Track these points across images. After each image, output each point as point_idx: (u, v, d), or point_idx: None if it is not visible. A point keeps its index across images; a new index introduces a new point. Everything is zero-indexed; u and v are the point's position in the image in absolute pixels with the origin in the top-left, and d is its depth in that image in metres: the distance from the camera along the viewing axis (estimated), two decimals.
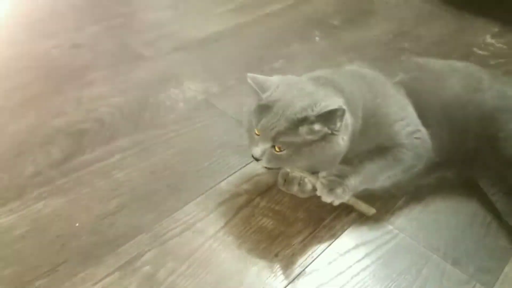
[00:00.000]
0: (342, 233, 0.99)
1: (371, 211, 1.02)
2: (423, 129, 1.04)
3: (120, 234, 0.91)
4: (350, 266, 0.91)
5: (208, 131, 1.22)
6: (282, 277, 0.87)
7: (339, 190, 0.95)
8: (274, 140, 0.93)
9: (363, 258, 0.93)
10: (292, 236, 0.97)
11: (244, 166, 1.11)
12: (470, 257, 0.93)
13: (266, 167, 0.99)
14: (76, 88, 1.32)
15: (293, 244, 0.95)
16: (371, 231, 1.00)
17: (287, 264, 0.90)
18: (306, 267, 0.89)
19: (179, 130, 1.21)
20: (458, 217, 1.03)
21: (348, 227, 1.01)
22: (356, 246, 0.96)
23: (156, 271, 0.85)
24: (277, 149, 0.95)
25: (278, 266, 0.89)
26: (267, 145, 0.95)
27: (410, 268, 0.91)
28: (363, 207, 1.02)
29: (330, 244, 0.96)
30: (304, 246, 0.95)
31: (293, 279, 0.87)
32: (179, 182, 1.05)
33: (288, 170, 0.99)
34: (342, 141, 0.95)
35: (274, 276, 0.87)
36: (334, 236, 0.98)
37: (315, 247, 0.94)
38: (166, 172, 1.08)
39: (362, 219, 1.03)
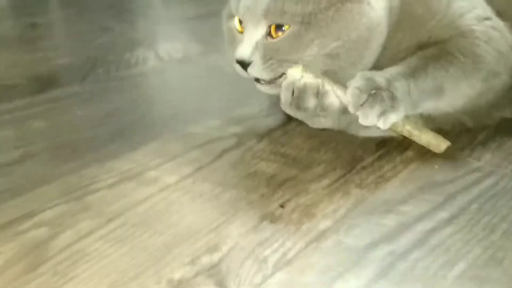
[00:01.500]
0: (395, 176, 0.59)
1: (443, 143, 0.62)
2: (498, 20, 0.67)
3: (13, 187, 0.55)
4: (418, 221, 0.50)
5: (184, 81, 0.89)
6: (293, 239, 0.47)
7: (385, 99, 0.57)
8: (267, 14, 0.59)
9: (438, 208, 0.52)
10: (311, 181, 0.57)
11: (233, 110, 0.75)
12: None
13: (261, 80, 0.63)
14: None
15: (312, 191, 0.55)
16: (443, 171, 0.60)
17: (301, 218, 0.50)
18: (335, 223, 0.49)
19: (141, 79, 0.88)
20: None
21: (405, 167, 0.60)
22: (420, 190, 0.56)
23: (55, 234, 0.47)
24: (274, 33, 0.60)
25: (284, 221, 0.50)
26: (259, 31, 0.60)
27: None
28: (429, 136, 0.62)
29: (375, 191, 0.56)
30: (331, 193, 0.55)
31: (312, 242, 0.47)
32: (128, 128, 0.69)
33: (298, 75, 0.61)
34: (376, 3, 0.59)
35: (279, 237, 0.47)
36: (381, 180, 0.58)
37: (349, 195, 0.54)
38: (114, 118, 0.72)
39: (426, 156, 0.63)
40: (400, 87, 0.58)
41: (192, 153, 0.62)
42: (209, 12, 1.35)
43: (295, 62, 0.60)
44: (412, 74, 0.59)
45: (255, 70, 0.62)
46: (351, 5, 0.58)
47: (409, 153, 0.63)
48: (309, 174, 0.58)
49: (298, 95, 0.60)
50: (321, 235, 0.48)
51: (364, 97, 0.57)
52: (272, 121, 0.72)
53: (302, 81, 0.60)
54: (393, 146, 0.65)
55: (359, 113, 0.58)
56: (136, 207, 0.51)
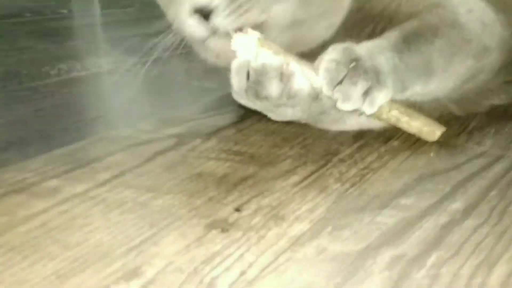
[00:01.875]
0: (383, 166, 0.45)
1: (438, 129, 0.49)
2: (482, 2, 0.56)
3: None
4: (425, 215, 0.36)
5: (112, 88, 0.74)
6: (255, 251, 0.31)
7: (369, 72, 0.44)
8: None
9: (447, 198, 0.39)
10: (276, 178, 0.43)
11: (172, 111, 0.60)
12: None
13: (221, 31, 0.47)
14: None
15: (278, 189, 0.41)
16: (442, 159, 0.47)
17: (266, 223, 0.35)
18: (313, 225, 0.34)
19: (59, 89, 0.71)
20: None
21: (393, 157, 0.47)
22: (419, 181, 0.42)
23: None
24: None
25: (242, 228, 0.34)
26: None
27: None
28: (420, 122, 0.49)
29: (362, 184, 0.42)
30: (304, 190, 0.40)
31: (284, 252, 0.32)
32: (30, 136, 0.52)
33: (252, 53, 0.47)
34: None
35: (234, 250, 0.31)
36: (367, 171, 0.44)
37: (327, 191, 0.40)
38: (15, 127, 0.54)
39: (416, 145, 0.50)
40: (385, 60, 0.46)
41: (113, 158, 0.46)
42: (148, 31, 1.24)
43: (263, 9, 0.47)
44: (395, 47, 0.47)
45: (219, 18, 0.45)
46: None
47: (395, 143, 0.50)
48: (272, 172, 0.44)
49: (256, 79, 0.46)
50: (296, 242, 0.33)
51: (343, 70, 0.43)
52: (221, 120, 0.57)
53: (259, 60, 0.47)
54: (373, 137, 0.52)
55: (337, 94, 0.44)
56: (18, 227, 0.34)
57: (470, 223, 0.35)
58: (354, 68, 0.44)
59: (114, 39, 1.19)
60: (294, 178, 0.42)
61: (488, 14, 0.55)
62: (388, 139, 0.51)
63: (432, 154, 0.48)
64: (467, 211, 0.37)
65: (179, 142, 0.50)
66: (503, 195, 0.39)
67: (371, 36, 0.51)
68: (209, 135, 0.52)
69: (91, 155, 0.47)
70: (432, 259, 0.31)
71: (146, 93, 0.69)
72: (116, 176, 0.42)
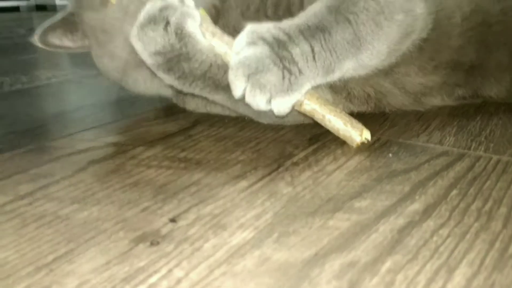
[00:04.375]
0: (338, 168, 0.42)
1: (364, 132, 0.45)
2: None
3: None
4: (381, 218, 0.33)
5: (59, 99, 0.68)
6: (186, 265, 0.27)
7: (274, 71, 0.41)
8: None
9: (405, 199, 0.36)
10: (222, 185, 0.39)
11: (115, 119, 0.56)
12: None
13: None
14: None
15: (223, 196, 0.37)
16: (401, 159, 0.44)
17: (204, 233, 0.31)
18: (258, 233, 0.30)
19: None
20: None
21: (349, 159, 0.44)
22: (377, 182, 0.39)
23: None
24: None
25: (175, 240, 0.30)
26: None
27: None
28: (344, 120, 0.45)
29: (315, 187, 0.38)
30: (252, 196, 0.36)
31: (221, 265, 0.28)
32: None
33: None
34: None
35: (162, 265, 0.27)
36: (321, 174, 0.41)
37: (277, 196, 0.36)
38: None
39: (375, 146, 0.47)
40: (300, 48, 0.42)
41: (40, 169, 0.41)
42: None
43: None
44: (318, 25, 0.44)
45: None
46: None
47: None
48: (219, 177, 0.40)
49: (152, 14, 0.43)
50: (236, 253, 0.29)
51: (242, 83, 0.41)
52: (170, 126, 0.53)
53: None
54: (329, 139, 0.48)
55: (237, 89, 0.42)
56: None
57: (429, 224, 0.32)
58: (259, 72, 0.41)
59: (70, 55, 1.15)
60: (242, 184, 0.38)
61: None
62: (345, 141, 0.48)
63: (390, 155, 0.45)
64: (427, 212, 0.34)
65: (118, 151, 0.45)
66: (464, 194, 0.36)
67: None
68: (154, 142, 0.48)
69: (15, 166, 0.42)
70: (387, 264, 0.27)
71: (93, 103, 0.65)
72: (39, 188, 0.37)
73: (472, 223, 0.32)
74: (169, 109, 0.60)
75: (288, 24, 0.44)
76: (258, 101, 0.41)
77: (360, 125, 0.46)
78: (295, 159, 0.44)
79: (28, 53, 1.20)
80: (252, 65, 0.41)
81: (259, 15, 0.50)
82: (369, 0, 0.45)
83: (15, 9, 2.91)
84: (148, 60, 0.45)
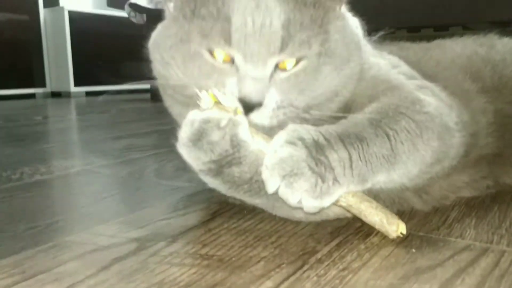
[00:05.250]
0: (363, 266, 0.42)
1: (400, 225, 0.46)
2: (435, 88, 0.56)
3: None
4: None
5: (76, 190, 0.69)
6: None
7: (308, 176, 0.43)
8: (284, 44, 0.46)
9: None
10: (247, 284, 0.38)
11: (135, 212, 0.56)
12: None
13: (272, 120, 0.48)
14: None
15: None
16: (425, 254, 0.43)
17: None
18: None
19: (18, 193, 0.66)
20: None
21: (373, 255, 0.44)
22: (405, 280, 0.38)
23: None
24: (287, 66, 0.48)
25: None
26: (271, 61, 0.47)
27: None
28: (380, 215, 0.46)
29: (345, 281, 0.37)
30: None
31: None
32: None
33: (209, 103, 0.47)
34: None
35: None
36: (347, 273, 0.40)
37: None
38: None
39: (396, 240, 0.47)
40: (338, 156, 0.44)
41: (63, 267, 0.41)
42: (123, 134, 1.24)
43: (309, 105, 0.49)
44: (358, 135, 0.46)
45: (261, 116, 0.47)
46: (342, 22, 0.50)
47: (374, 239, 0.47)
48: (243, 277, 0.39)
49: (200, 126, 0.46)
50: None
51: (276, 182, 0.43)
52: (190, 219, 0.53)
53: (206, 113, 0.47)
54: (351, 233, 0.49)
55: (270, 185, 0.44)
56: None
57: None
58: (295, 174, 0.43)
59: (86, 142, 1.18)
60: (268, 285, 0.38)
61: (444, 95, 0.55)
62: (367, 235, 0.48)
63: (413, 250, 0.44)
64: None
65: (140, 247, 0.45)
66: None
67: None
68: (175, 237, 0.48)
69: (39, 265, 0.41)
70: None
71: (111, 195, 0.66)
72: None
73: None
74: (188, 199, 0.61)
75: (329, 129, 0.46)
76: (289, 201, 0.43)
77: (395, 220, 0.46)
78: (319, 255, 0.43)
79: (46, 142, 1.24)
80: (287, 167, 0.43)
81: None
82: (411, 122, 0.49)
83: (31, 95, 3.05)
84: (199, 167, 0.47)
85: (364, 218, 0.47)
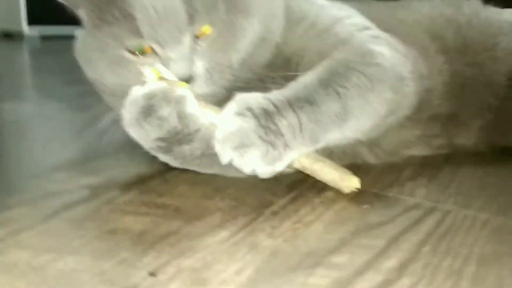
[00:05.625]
0: (317, 219, 0.43)
1: (353, 180, 0.47)
2: (380, 31, 0.57)
3: None
4: (360, 274, 0.34)
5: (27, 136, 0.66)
6: None
7: (258, 145, 0.43)
8: (190, 17, 0.46)
9: (381, 254, 0.36)
10: (202, 235, 0.38)
11: (90, 160, 0.54)
12: None
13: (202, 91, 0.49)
14: None
15: (203, 248, 0.36)
16: (376, 211, 0.45)
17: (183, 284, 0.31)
18: None
19: None
20: None
21: (327, 209, 0.45)
22: (354, 235, 0.39)
23: None
24: (202, 35, 0.48)
25: None
26: (184, 37, 0.47)
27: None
28: (336, 173, 0.47)
29: (294, 240, 0.38)
30: (233, 248, 0.36)
31: None
32: None
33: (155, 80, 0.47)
34: None
35: None
36: (300, 225, 0.41)
37: (258, 249, 0.36)
38: None
39: (351, 195, 0.48)
40: (288, 120, 0.44)
41: (10, 212, 0.39)
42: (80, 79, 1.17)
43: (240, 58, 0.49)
44: (308, 98, 0.46)
45: (198, 86, 0.48)
46: None
47: (329, 194, 0.48)
48: (199, 227, 0.39)
49: (146, 103, 0.46)
50: None
51: (229, 154, 0.43)
52: (146, 168, 0.53)
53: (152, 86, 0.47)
54: (307, 187, 0.49)
55: (224, 155, 0.44)
56: None
57: (405, 282, 0.33)
58: (245, 146, 0.43)
59: (39, 87, 1.12)
60: (223, 234, 0.38)
61: (399, 46, 0.55)
62: (322, 189, 0.48)
63: (366, 206, 0.46)
64: (402, 269, 0.35)
65: (92, 194, 0.44)
66: (435, 251, 0.38)
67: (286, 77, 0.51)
68: (130, 185, 0.47)
69: None
70: None
71: (63, 141, 0.63)
72: (10, 234, 0.36)
73: (443, 282, 0.33)
74: (141, 150, 0.60)
75: (277, 94, 0.45)
76: (244, 170, 0.44)
77: (348, 175, 0.47)
78: (274, 207, 0.44)
79: None
80: (238, 139, 0.43)
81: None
82: (361, 76, 0.48)
83: None
84: (148, 145, 0.47)
85: (318, 177, 0.48)
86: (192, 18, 0.46)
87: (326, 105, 0.46)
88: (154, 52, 0.48)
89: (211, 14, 0.47)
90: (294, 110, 0.44)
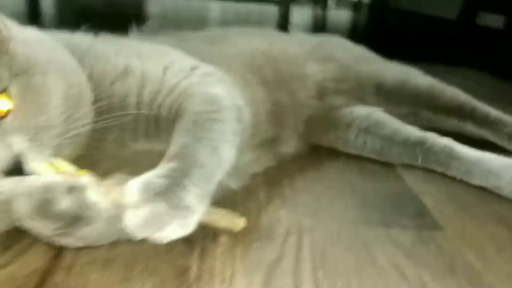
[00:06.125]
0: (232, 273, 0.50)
1: (240, 221, 0.56)
2: (206, 65, 0.66)
3: None
4: None
5: None
6: None
7: (175, 222, 0.46)
8: None
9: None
10: None
11: None
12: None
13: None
14: None
15: None
16: (268, 242, 0.56)
17: None
18: None
19: None
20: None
21: (234, 257, 0.53)
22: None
23: None
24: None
25: None
26: None
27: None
28: (226, 219, 0.55)
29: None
30: None
31: None
32: None
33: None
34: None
35: None
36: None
37: None
38: None
39: (234, 239, 0.57)
40: (192, 191, 0.48)
41: None
42: None
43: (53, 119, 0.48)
44: (195, 163, 0.51)
45: (35, 156, 0.46)
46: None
47: (223, 239, 0.56)
48: None
49: (43, 197, 0.44)
50: None
51: (145, 234, 0.46)
52: (43, 260, 0.47)
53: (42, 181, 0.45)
54: (201, 238, 0.55)
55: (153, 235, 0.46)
56: None
57: None
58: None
59: None
60: None
61: (225, 76, 0.65)
62: (214, 236, 0.55)
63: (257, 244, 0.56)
64: None
65: None
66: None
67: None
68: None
69: None
70: None
71: None
72: None
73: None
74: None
75: (170, 170, 0.49)
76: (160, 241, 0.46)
77: (236, 217, 0.55)
78: (194, 271, 0.49)
79: None
80: (155, 224, 0.45)
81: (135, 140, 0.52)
82: (219, 123, 0.56)
83: None
84: (47, 235, 0.46)
85: (212, 226, 0.54)
86: None
87: (210, 162, 0.52)
88: None
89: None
90: (191, 181, 0.49)
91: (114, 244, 0.51)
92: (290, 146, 0.80)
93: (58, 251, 0.49)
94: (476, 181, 0.73)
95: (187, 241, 0.54)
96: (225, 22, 2.61)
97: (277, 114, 0.77)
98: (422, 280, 0.50)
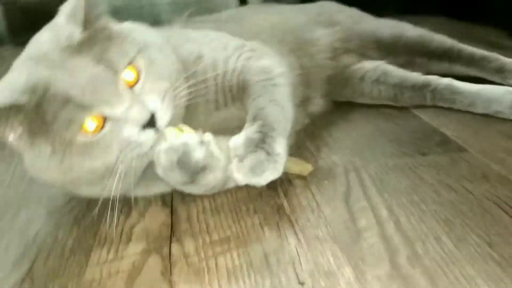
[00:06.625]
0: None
1: (309, 166, 0.68)
2: (251, 42, 0.76)
3: None
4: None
5: None
6: None
7: (270, 167, 0.57)
8: (111, 73, 0.54)
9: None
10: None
11: None
12: None
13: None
14: None
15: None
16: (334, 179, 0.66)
17: None
18: None
19: None
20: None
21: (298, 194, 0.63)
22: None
23: None
24: (133, 77, 0.55)
25: None
26: (119, 90, 0.54)
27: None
28: (298, 165, 0.67)
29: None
30: None
31: None
32: None
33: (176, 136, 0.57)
34: None
35: None
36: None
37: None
38: None
39: (305, 181, 0.67)
40: (278, 141, 0.59)
41: None
42: None
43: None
44: (275, 120, 0.61)
45: (164, 113, 0.56)
46: None
47: (297, 182, 0.65)
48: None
49: (183, 149, 0.55)
50: None
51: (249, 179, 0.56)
52: None
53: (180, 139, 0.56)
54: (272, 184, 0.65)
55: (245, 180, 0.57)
56: None
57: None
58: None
59: None
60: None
61: (267, 49, 0.76)
62: (285, 182, 0.65)
63: (326, 181, 0.65)
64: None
65: None
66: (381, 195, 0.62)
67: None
68: None
69: None
70: None
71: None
72: None
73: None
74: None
75: (263, 127, 0.59)
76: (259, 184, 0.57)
77: (305, 164, 0.67)
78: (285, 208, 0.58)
79: None
80: (258, 170, 0.56)
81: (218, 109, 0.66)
82: (276, 86, 0.68)
83: None
84: (178, 184, 0.57)
85: (289, 171, 0.65)
86: (112, 73, 0.53)
87: (283, 118, 0.64)
88: (104, 119, 0.53)
89: (122, 58, 0.54)
90: (278, 133, 0.60)
91: (212, 197, 0.60)
92: (317, 105, 0.90)
93: (171, 208, 0.57)
94: (479, 110, 0.85)
95: (270, 187, 0.63)
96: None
97: (305, 77, 0.86)
98: (466, 189, 0.62)
